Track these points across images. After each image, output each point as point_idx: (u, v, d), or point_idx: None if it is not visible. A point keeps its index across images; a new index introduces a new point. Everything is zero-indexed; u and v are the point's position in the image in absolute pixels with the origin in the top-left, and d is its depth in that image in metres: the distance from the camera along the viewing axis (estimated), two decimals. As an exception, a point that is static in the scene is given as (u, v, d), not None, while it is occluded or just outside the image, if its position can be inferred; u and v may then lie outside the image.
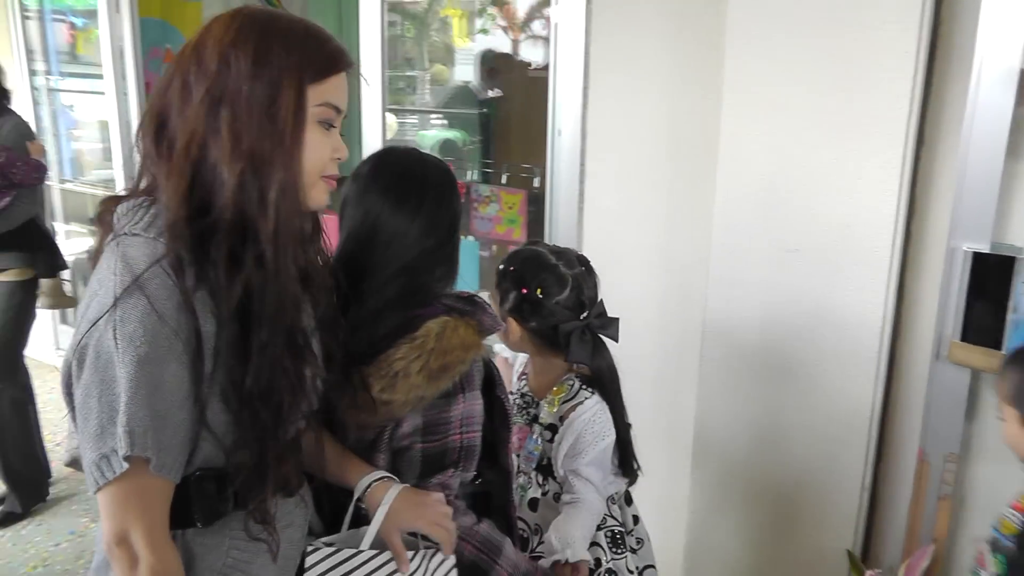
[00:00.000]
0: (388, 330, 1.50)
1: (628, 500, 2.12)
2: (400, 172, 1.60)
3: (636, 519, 2.12)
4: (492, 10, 5.44)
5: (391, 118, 5.89)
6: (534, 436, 2.00)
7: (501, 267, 1.99)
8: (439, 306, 1.55)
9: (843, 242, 2.30)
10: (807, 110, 2.30)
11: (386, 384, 1.46)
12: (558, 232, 2.99)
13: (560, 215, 2.99)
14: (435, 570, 1.49)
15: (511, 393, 2.10)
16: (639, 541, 2.09)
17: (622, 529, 2.04)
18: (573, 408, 1.94)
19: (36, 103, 5.10)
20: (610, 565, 1.97)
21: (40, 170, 3.51)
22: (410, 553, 1.44)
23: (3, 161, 3.33)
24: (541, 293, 1.91)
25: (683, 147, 2.62)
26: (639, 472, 2.07)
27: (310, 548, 1.40)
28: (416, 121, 5.87)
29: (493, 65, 5.42)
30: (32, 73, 5.10)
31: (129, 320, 1.11)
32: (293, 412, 1.26)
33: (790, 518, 2.53)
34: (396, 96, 6.88)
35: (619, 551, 2.00)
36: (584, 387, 1.97)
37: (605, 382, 1.98)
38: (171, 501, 1.19)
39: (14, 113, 3.60)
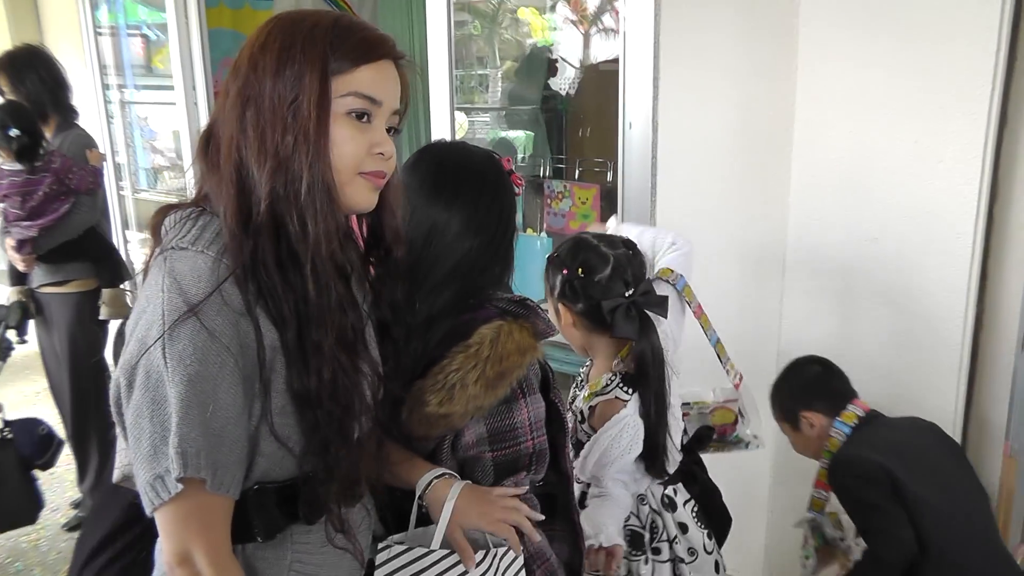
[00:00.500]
0: (441, 337, 1.47)
1: (671, 506, 2.09)
2: (438, 162, 1.58)
3: (684, 527, 2.08)
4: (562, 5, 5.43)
5: (461, 117, 5.93)
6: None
7: (549, 257, 2.02)
8: (492, 308, 1.51)
9: (924, 230, 2.25)
10: (884, 93, 2.26)
11: (444, 397, 1.42)
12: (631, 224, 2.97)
13: (632, 209, 2.97)
14: (506, 569, 1.46)
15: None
16: (691, 552, 2.06)
17: (642, 531, 2.03)
18: (607, 404, 1.95)
19: (109, 116, 5.26)
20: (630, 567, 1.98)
21: (96, 175, 3.61)
22: (480, 553, 1.41)
23: (58, 167, 3.45)
24: (583, 272, 1.93)
25: (755, 137, 2.59)
26: (668, 471, 2.03)
27: (382, 546, 1.40)
28: (488, 120, 5.88)
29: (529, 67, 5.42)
30: (105, 87, 5.25)
31: (179, 338, 1.09)
32: (354, 411, 1.24)
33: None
34: (468, 95, 6.93)
35: (636, 552, 2.01)
36: (623, 386, 1.95)
37: (648, 365, 1.94)
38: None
39: (78, 127, 3.75)
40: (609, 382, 1.96)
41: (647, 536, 2.05)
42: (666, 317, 1.98)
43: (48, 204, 3.45)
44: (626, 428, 1.92)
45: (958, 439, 2.32)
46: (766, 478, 2.69)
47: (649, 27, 2.80)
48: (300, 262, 1.17)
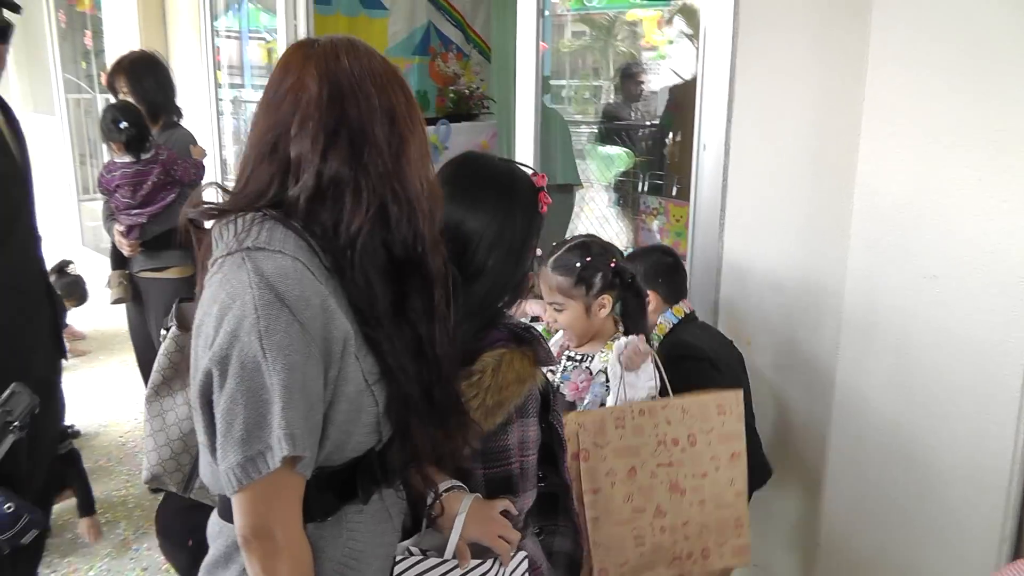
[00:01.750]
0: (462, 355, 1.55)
1: None
2: (473, 172, 1.67)
3: None
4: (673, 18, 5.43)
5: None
6: (597, 383, 2.25)
7: (575, 269, 2.25)
8: (502, 331, 1.60)
9: (984, 271, 2.19)
10: (949, 128, 2.21)
11: None
12: (698, 246, 2.98)
13: (701, 230, 2.97)
14: (513, 569, 1.60)
15: (562, 360, 2.36)
16: None
17: None
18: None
19: (219, 113, 5.56)
20: None
21: (199, 168, 3.92)
22: (489, 562, 1.55)
23: (165, 159, 3.75)
24: (616, 263, 2.30)
25: (821, 166, 2.57)
26: None
27: (399, 557, 1.51)
28: (593, 132, 5.91)
29: (632, 79, 5.43)
30: (218, 86, 5.56)
31: (275, 330, 1.19)
32: (419, 397, 1.38)
33: (925, 564, 2.41)
34: (582, 106, 6.98)
35: None
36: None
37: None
38: None
39: (181, 126, 4.07)
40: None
41: None
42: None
43: (156, 193, 3.76)
44: None
45: (1018, 489, 2.24)
46: (819, 510, 2.65)
47: (727, 51, 2.80)
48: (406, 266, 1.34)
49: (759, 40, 2.71)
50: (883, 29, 2.32)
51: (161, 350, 1.58)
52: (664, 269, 2.64)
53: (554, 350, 2.32)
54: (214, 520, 1.44)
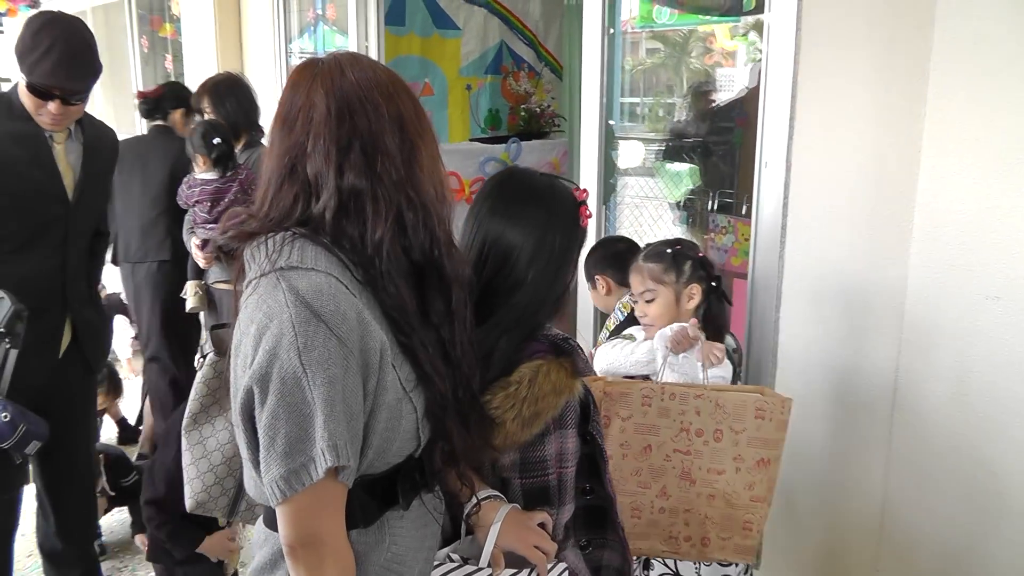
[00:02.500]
0: (499, 368, 1.60)
1: None
2: (515, 187, 1.72)
3: None
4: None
5: (638, 146, 6.00)
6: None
7: (666, 255, 2.41)
8: (543, 341, 1.64)
9: (1050, 291, 2.16)
10: (1013, 144, 2.20)
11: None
12: (759, 264, 2.99)
13: (762, 247, 2.98)
14: None
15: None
16: None
17: None
18: None
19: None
20: None
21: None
22: (525, 572, 1.58)
23: (244, 178, 3.92)
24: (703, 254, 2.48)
25: (882, 183, 2.56)
26: None
27: (436, 563, 1.56)
28: (661, 149, 5.91)
29: (703, 96, 5.41)
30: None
31: (314, 347, 1.24)
32: (452, 397, 1.43)
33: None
34: (655, 124, 6.99)
35: None
36: None
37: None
38: None
39: (263, 145, 4.20)
40: None
41: None
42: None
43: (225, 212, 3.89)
44: None
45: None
46: (872, 553, 2.63)
47: (788, 67, 2.82)
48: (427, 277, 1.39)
49: (821, 56, 2.71)
50: (945, 44, 2.32)
51: (198, 377, 1.65)
52: (616, 254, 2.93)
53: (642, 356, 2.37)
54: (260, 528, 1.50)
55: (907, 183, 2.45)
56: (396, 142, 1.38)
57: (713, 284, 2.43)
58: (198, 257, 3.99)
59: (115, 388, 4.75)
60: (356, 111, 1.36)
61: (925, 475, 2.47)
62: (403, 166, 1.38)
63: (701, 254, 2.48)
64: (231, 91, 4.15)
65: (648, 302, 2.41)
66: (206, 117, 4.10)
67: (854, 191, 2.65)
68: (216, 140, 3.85)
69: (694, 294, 2.40)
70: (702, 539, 2.22)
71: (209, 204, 3.89)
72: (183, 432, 1.55)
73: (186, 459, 1.65)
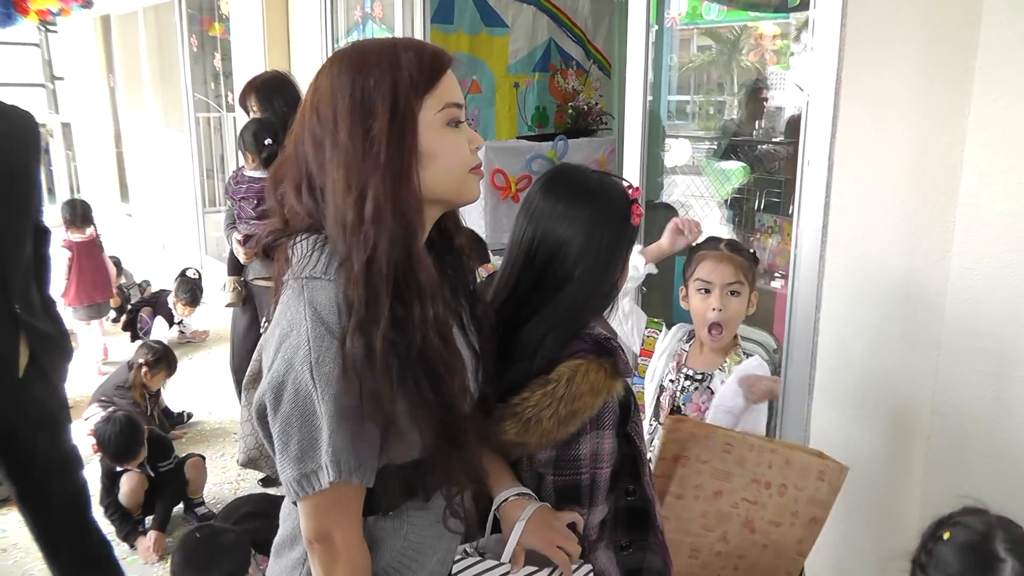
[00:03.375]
0: (543, 364, 1.62)
1: None
2: (570, 182, 1.73)
3: None
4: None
5: (685, 144, 6.02)
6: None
7: (744, 251, 2.43)
8: (586, 340, 1.65)
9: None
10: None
11: (520, 428, 1.60)
12: (800, 264, 2.99)
13: (804, 247, 2.99)
14: None
15: (674, 382, 2.43)
16: None
17: None
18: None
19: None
20: None
21: None
22: (546, 571, 1.59)
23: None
24: None
25: (925, 183, 2.57)
26: None
27: (457, 557, 1.61)
28: (711, 148, 5.93)
29: (755, 94, 5.41)
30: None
31: (324, 362, 1.29)
32: (451, 400, 1.41)
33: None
34: (706, 122, 7.00)
35: None
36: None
37: None
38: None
39: None
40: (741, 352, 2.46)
41: None
42: None
43: None
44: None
45: None
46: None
47: (832, 65, 2.83)
48: (373, 274, 1.32)
49: (865, 54, 2.72)
50: (992, 42, 2.32)
51: (261, 341, 1.69)
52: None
53: (666, 362, 2.40)
54: (286, 503, 1.58)
55: (950, 182, 2.45)
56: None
57: None
58: (239, 252, 4.12)
59: (170, 365, 4.92)
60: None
61: (964, 479, 2.47)
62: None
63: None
64: (277, 89, 4.22)
65: (733, 295, 2.36)
66: (252, 116, 4.20)
67: (896, 190, 2.65)
68: (267, 140, 3.97)
69: (754, 301, 2.41)
70: None
71: (255, 201, 4.02)
72: (243, 390, 1.61)
73: (243, 416, 1.75)
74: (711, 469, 2.12)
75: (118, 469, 3.88)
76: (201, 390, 5.52)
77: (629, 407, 1.71)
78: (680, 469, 2.09)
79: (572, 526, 1.64)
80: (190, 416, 5.17)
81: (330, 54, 5.63)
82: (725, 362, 2.36)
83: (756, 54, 5.88)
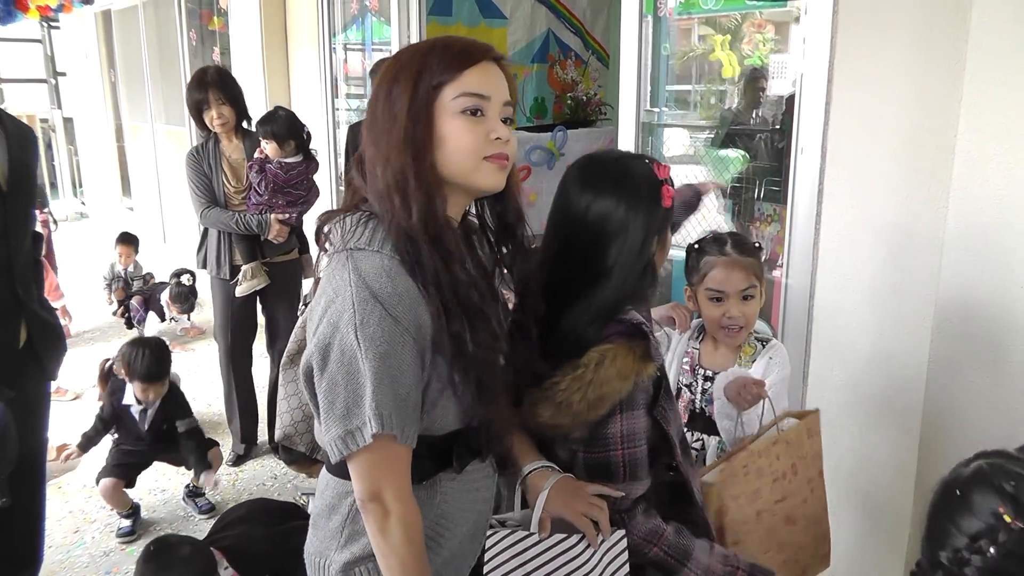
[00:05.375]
0: (570, 351, 1.67)
1: None
2: (601, 163, 1.79)
3: None
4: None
5: (683, 133, 5.99)
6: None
7: (753, 249, 2.33)
8: (623, 323, 1.69)
9: (1084, 278, 2.14)
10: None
11: (554, 412, 1.66)
12: (794, 252, 2.99)
13: (796, 236, 2.98)
14: (609, 549, 1.67)
15: (691, 386, 2.37)
16: None
17: None
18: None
19: (336, 124, 5.86)
20: None
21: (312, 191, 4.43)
22: (575, 537, 1.64)
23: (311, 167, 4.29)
24: None
25: (918, 170, 2.55)
26: None
27: (490, 532, 1.66)
28: (712, 136, 5.89)
29: (754, 83, 5.37)
30: (334, 96, 5.84)
31: (369, 324, 1.39)
32: (487, 367, 1.51)
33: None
34: (707, 111, 6.96)
35: None
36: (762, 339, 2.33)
37: None
38: None
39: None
40: (752, 339, 2.35)
41: None
42: None
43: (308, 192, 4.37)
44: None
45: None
46: (907, 526, 2.63)
47: (825, 52, 2.81)
48: (411, 238, 1.45)
49: (857, 41, 2.70)
50: (983, 29, 2.30)
51: (299, 321, 1.79)
52: None
53: (679, 364, 2.38)
54: (323, 474, 1.67)
55: (943, 168, 2.43)
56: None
57: None
58: (275, 230, 4.23)
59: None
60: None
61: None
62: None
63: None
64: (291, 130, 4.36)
65: (747, 299, 2.27)
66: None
67: (889, 177, 2.64)
68: (306, 130, 4.27)
69: (764, 292, 2.32)
70: (803, 570, 2.22)
71: (299, 183, 4.28)
72: (281, 369, 1.69)
73: (280, 393, 1.81)
74: (745, 499, 2.08)
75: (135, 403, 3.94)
76: (200, 383, 5.52)
77: (660, 388, 1.75)
78: (725, 519, 2.05)
79: (603, 497, 1.69)
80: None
81: (327, 47, 5.67)
82: (740, 356, 2.31)
83: (751, 42, 5.84)
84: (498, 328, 1.55)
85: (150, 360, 3.84)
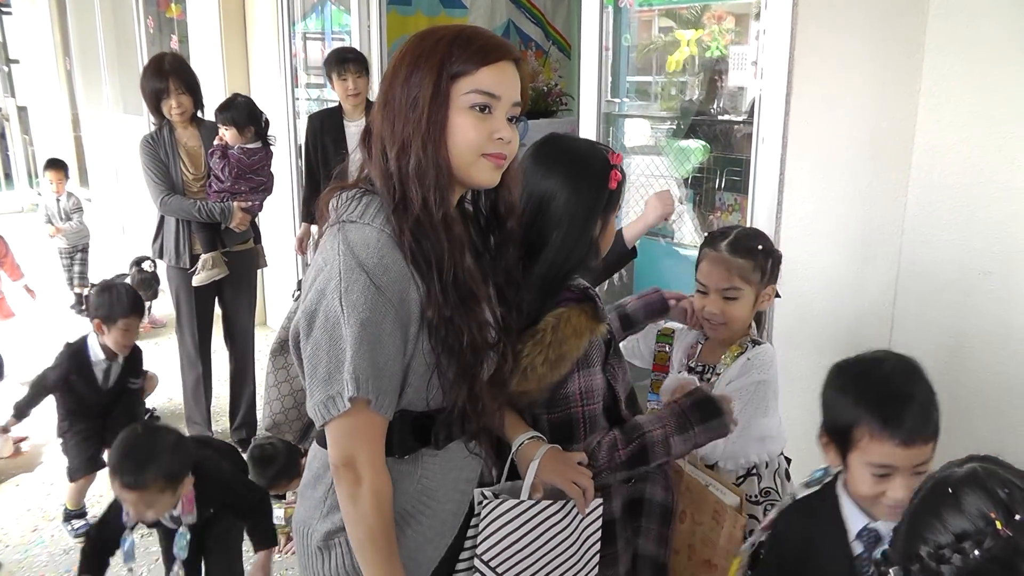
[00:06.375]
0: (532, 317, 1.74)
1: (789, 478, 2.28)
2: (557, 146, 1.85)
3: None
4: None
5: (644, 124, 6.00)
6: None
7: (756, 251, 2.22)
8: (569, 291, 1.77)
9: (1040, 265, 2.17)
10: (1008, 117, 2.21)
11: (520, 379, 1.71)
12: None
13: (758, 224, 2.99)
14: (588, 515, 1.76)
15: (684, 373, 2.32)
16: None
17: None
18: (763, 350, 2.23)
19: (296, 112, 5.79)
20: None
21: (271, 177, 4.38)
22: (559, 503, 1.71)
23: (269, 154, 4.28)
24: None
25: (878, 160, 2.57)
26: None
27: (483, 501, 1.68)
28: (672, 128, 5.91)
29: (716, 75, 5.40)
30: (294, 86, 5.77)
31: (352, 291, 1.42)
32: (474, 350, 1.54)
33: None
34: (669, 102, 6.99)
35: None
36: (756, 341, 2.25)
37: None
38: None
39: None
40: (746, 341, 2.25)
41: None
42: None
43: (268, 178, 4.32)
44: (771, 353, 2.22)
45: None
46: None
47: (785, 41, 2.82)
48: (417, 220, 1.47)
49: (817, 30, 2.71)
50: (940, 17, 2.32)
51: (290, 309, 1.77)
52: None
53: (680, 355, 2.37)
54: (314, 446, 1.70)
55: (902, 158, 2.45)
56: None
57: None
58: (238, 218, 4.18)
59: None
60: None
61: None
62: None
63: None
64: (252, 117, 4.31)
65: (729, 299, 2.21)
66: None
67: (850, 165, 2.66)
68: (264, 116, 4.22)
69: (769, 295, 2.25)
70: None
71: (260, 168, 4.24)
72: (269, 356, 1.70)
73: (269, 381, 1.83)
74: (692, 517, 2.07)
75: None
76: (162, 376, 5.43)
77: (611, 345, 1.84)
78: (680, 524, 2.04)
79: (582, 464, 1.74)
80: (157, 418, 5.08)
81: (287, 37, 5.61)
82: (726, 354, 2.25)
83: (710, 35, 5.86)
84: (489, 315, 1.60)
85: (132, 293, 3.83)
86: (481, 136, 1.49)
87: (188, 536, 2.64)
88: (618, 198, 1.85)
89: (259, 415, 4.08)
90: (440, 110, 1.47)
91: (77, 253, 7.20)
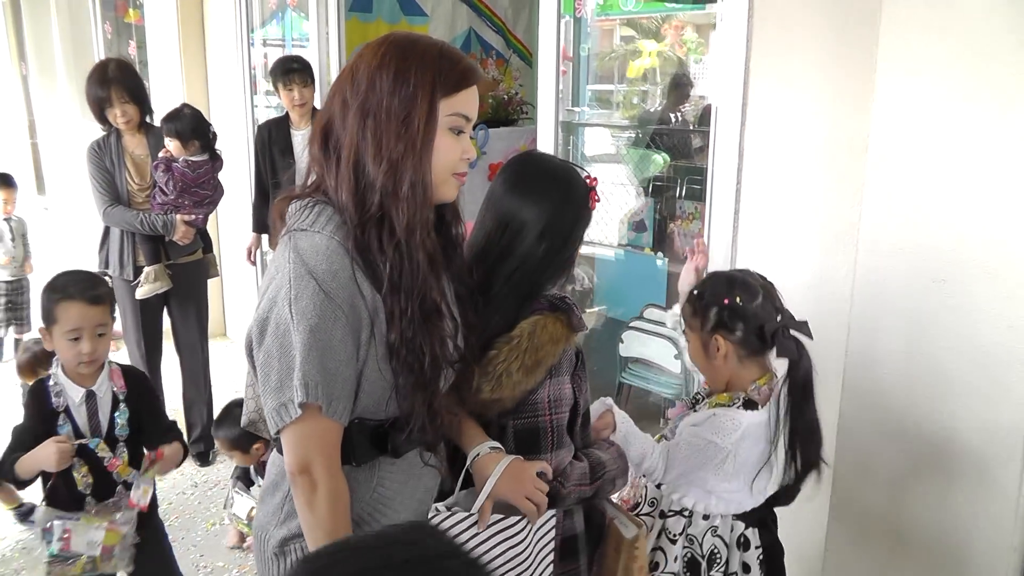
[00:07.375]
0: (499, 328, 1.75)
1: (744, 546, 2.16)
2: (535, 166, 1.90)
3: (747, 568, 2.15)
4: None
5: (604, 133, 6.02)
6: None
7: (690, 299, 2.18)
8: (541, 302, 1.79)
9: (993, 274, 2.19)
10: (958, 133, 2.22)
11: (494, 385, 1.71)
12: (714, 249, 3.00)
13: (716, 232, 3.00)
14: (540, 527, 1.76)
15: None
16: None
17: (700, 559, 2.08)
18: (726, 415, 2.09)
19: (255, 120, 5.72)
20: None
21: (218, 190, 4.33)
22: (514, 519, 1.71)
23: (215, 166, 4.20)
24: (740, 300, 2.08)
25: (832, 169, 2.60)
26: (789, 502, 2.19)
27: (431, 514, 1.66)
28: (632, 137, 5.92)
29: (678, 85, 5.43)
30: (253, 94, 5.71)
31: (302, 298, 1.43)
32: (435, 367, 1.54)
33: (935, 567, 2.41)
34: (630, 110, 7.02)
35: None
36: (741, 407, 2.11)
37: (800, 383, 2.08)
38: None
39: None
40: (736, 399, 2.13)
41: (704, 565, 2.14)
42: (811, 339, 2.11)
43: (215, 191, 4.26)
44: (745, 435, 2.05)
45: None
46: (824, 519, 2.66)
47: (740, 56, 2.83)
48: (398, 243, 1.48)
49: (772, 44, 2.73)
50: (891, 36, 2.33)
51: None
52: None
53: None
54: (273, 453, 1.70)
55: (857, 166, 2.47)
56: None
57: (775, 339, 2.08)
58: (181, 232, 4.12)
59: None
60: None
61: (874, 455, 2.50)
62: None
63: (727, 300, 2.08)
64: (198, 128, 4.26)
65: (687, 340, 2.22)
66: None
67: (805, 178, 2.68)
68: (212, 129, 4.17)
69: (719, 346, 2.08)
70: None
71: (205, 182, 4.18)
72: (247, 356, 1.64)
73: (248, 380, 1.79)
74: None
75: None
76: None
77: (579, 358, 1.85)
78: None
79: (542, 475, 1.73)
80: None
81: (245, 42, 5.55)
82: (713, 397, 2.20)
83: (670, 44, 5.89)
84: (449, 324, 1.61)
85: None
86: (456, 156, 1.54)
87: (127, 413, 2.59)
88: (590, 217, 1.90)
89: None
90: (432, 131, 1.49)
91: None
